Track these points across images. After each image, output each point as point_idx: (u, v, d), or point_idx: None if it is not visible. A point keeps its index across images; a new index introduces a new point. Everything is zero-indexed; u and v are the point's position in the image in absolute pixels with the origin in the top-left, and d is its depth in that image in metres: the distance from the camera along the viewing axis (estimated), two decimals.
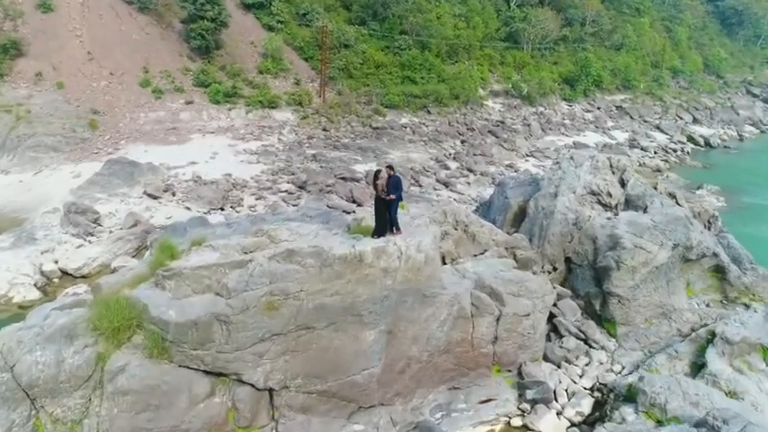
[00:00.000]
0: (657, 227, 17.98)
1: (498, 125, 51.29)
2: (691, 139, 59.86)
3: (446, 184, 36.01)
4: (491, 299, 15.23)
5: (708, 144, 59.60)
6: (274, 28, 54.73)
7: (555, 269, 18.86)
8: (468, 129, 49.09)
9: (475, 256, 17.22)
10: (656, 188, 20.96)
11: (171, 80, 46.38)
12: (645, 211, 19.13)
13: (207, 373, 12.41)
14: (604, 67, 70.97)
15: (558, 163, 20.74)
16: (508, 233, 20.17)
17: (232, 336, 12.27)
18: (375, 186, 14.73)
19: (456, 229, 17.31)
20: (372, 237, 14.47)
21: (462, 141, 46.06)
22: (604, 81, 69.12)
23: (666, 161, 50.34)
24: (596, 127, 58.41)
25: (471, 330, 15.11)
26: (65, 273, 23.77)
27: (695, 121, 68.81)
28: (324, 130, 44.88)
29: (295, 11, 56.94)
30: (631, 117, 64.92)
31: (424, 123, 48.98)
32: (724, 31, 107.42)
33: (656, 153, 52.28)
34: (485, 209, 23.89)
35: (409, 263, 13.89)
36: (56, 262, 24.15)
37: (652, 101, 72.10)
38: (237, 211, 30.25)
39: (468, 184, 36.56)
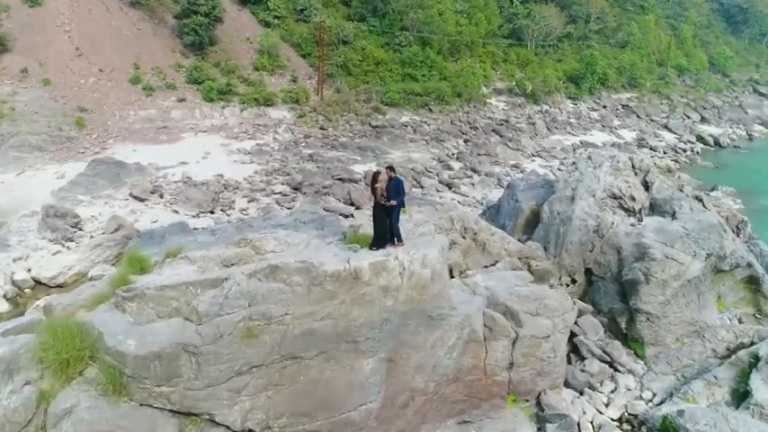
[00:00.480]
0: (690, 235, 16.03)
1: (502, 124, 49.46)
2: (700, 138, 58.10)
3: (449, 186, 34.16)
4: (506, 319, 13.26)
5: (717, 144, 57.95)
6: (271, 24, 53.13)
7: (574, 282, 16.92)
8: (471, 127, 47.25)
9: (485, 267, 15.31)
10: (681, 190, 19.11)
11: (162, 77, 44.60)
12: (673, 216, 17.23)
13: (174, 413, 10.44)
14: (610, 64, 69.24)
15: (574, 163, 18.85)
16: (519, 240, 18.32)
17: (203, 369, 10.32)
18: (373, 191, 12.72)
19: (464, 238, 15.41)
20: (370, 249, 12.49)
21: (465, 141, 44.23)
22: (610, 79, 67.37)
23: (677, 161, 48.50)
24: (603, 126, 56.60)
25: (484, 356, 13.13)
26: (38, 282, 21.90)
27: (703, 120, 67.11)
28: (321, 128, 43.07)
29: (292, 6, 55.24)
30: (638, 116, 63.20)
31: (425, 122, 47.16)
32: (729, 30, 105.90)
33: (665, 153, 50.47)
34: (492, 213, 22.03)
35: (413, 280, 11.94)
36: (29, 270, 22.28)
37: (659, 99, 70.41)
38: (228, 215, 28.44)
39: (473, 185, 34.71)
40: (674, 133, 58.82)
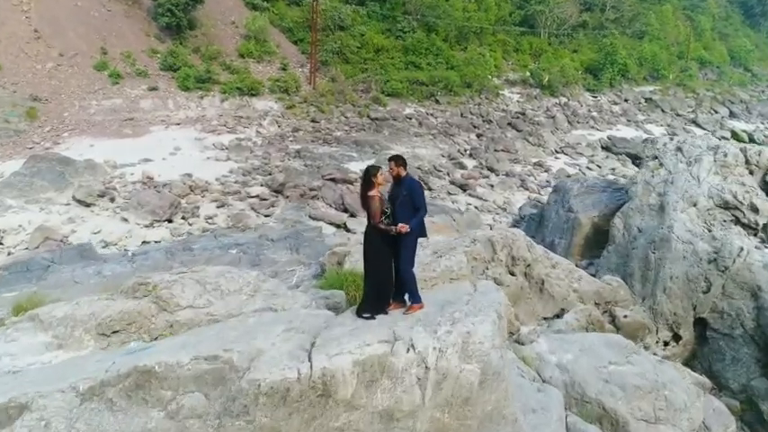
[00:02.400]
0: None
1: (518, 117, 43.96)
2: (734, 134, 52.67)
3: (463, 188, 28.58)
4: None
5: (752, 140, 52.39)
6: (259, 6, 47.89)
7: (677, 338, 11.21)
8: (484, 120, 41.73)
9: (545, 320, 9.70)
10: None
11: (132, 62, 39.20)
12: None
13: None
14: (630, 55, 63.88)
15: (656, 158, 13.31)
16: (578, 266, 12.70)
17: None
18: (365, 201, 7.00)
19: (513, 275, 9.77)
20: (359, 315, 6.66)
21: (479, 135, 38.71)
22: (631, 71, 61.98)
23: None
24: (628, 120, 51.25)
25: None
26: None
27: (732, 115, 61.91)
28: (313, 121, 37.59)
29: None
30: (663, 110, 57.89)
31: (431, 114, 41.66)
32: (747, 22, 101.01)
33: None
34: (531, 225, 16.43)
35: (446, 390, 5.71)
36: None
37: (684, 93, 65.00)
38: (190, 224, 22.95)
39: (491, 186, 29.13)
40: (704, 129, 53.60)
